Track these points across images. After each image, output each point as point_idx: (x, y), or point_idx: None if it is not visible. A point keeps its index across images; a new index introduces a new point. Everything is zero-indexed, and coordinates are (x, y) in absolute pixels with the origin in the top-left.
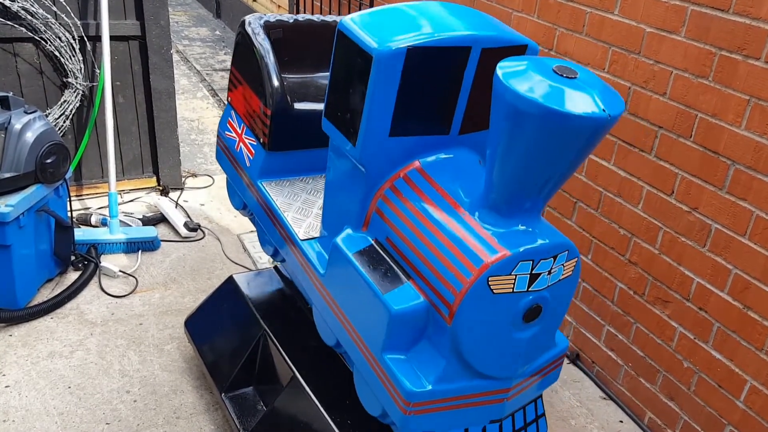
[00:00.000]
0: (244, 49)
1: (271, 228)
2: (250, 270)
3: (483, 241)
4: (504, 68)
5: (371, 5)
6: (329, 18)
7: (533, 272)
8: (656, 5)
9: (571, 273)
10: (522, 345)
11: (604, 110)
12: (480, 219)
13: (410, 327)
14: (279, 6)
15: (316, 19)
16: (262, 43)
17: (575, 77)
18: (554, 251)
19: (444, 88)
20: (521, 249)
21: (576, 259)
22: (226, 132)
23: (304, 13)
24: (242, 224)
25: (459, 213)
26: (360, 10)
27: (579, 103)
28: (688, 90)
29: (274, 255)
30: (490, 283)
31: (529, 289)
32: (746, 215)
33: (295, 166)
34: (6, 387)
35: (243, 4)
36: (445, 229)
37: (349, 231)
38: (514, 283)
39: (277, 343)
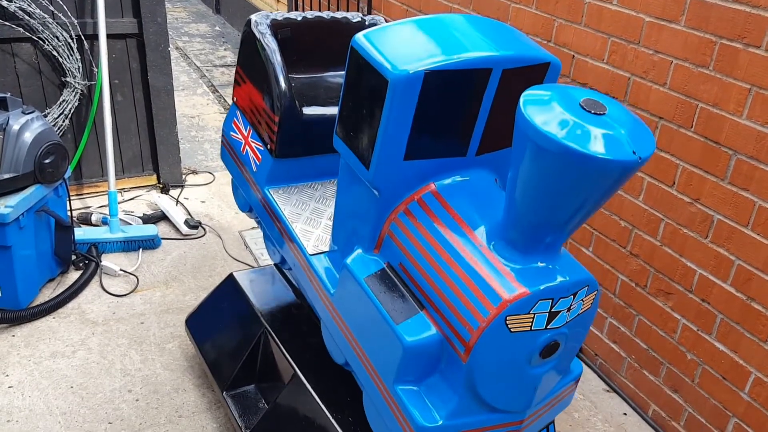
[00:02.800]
0: (249, 48)
1: (279, 237)
2: (252, 267)
3: (501, 278)
4: (528, 100)
5: (369, 4)
6: (339, 15)
7: (552, 310)
8: None
9: (590, 306)
10: (538, 380)
11: (634, 153)
12: (497, 251)
13: (423, 359)
14: (278, 0)
15: (325, 17)
16: (269, 44)
17: (603, 113)
18: (574, 288)
19: (462, 110)
20: (541, 287)
21: (596, 292)
22: (232, 133)
23: (303, 9)
24: (243, 221)
25: (475, 243)
26: (358, 7)
27: (606, 144)
28: (689, 80)
29: (282, 263)
30: (507, 322)
31: (548, 327)
32: (748, 206)
33: (304, 172)
34: (9, 387)
35: None
36: (462, 261)
37: (360, 252)
38: (532, 322)
39: (278, 341)
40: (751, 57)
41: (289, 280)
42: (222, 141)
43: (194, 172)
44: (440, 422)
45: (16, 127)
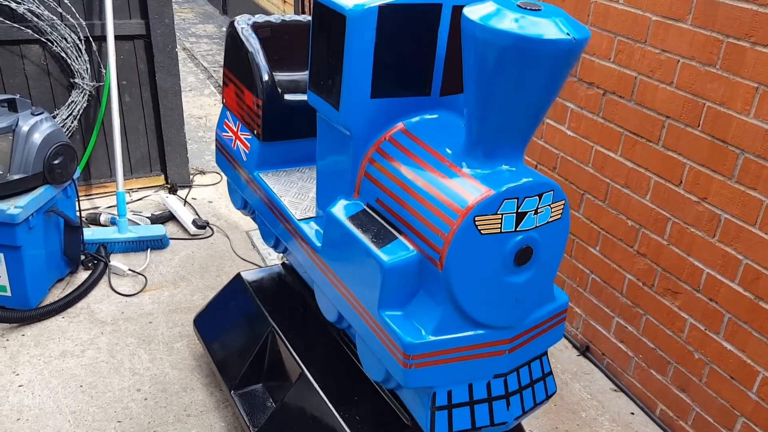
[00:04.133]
0: (234, 48)
1: (270, 216)
2: (259, 266)
3: (467, 184)
4: (470, 9)
5: None
6: None
7: (519, 211)
8: None
9: (560, 216)
10: (516, 290)
11: (568, 34)
12: (464, 164)
13: (404, 280)
14: (285, 1)
15: (302, 19)
16: (251, 41)
17: (539, 9)
18: (539, 189)
19: (420, 47)
20: (504, 187)
21: (563, 201)
22: (223, 133)
23: (309, 9)
24: (250, 221)
25: (444, 164)
26: None
27: (546, 29)
28: (696, 78)
29: (276, 245)
30: (477, 223)
31: (517, 229)
32: (756, 204)
33: (291, 157)
34: (20, 386)
35: (250, 0)
36: (432, 179)
37: (342, 201)
38: (501, 223)
39: (285, 340)
40: (758, 55)
41: (296, 278)
42: (216, 145)
43: (202, 173)
44: (427, 338)
45: (25, 128)
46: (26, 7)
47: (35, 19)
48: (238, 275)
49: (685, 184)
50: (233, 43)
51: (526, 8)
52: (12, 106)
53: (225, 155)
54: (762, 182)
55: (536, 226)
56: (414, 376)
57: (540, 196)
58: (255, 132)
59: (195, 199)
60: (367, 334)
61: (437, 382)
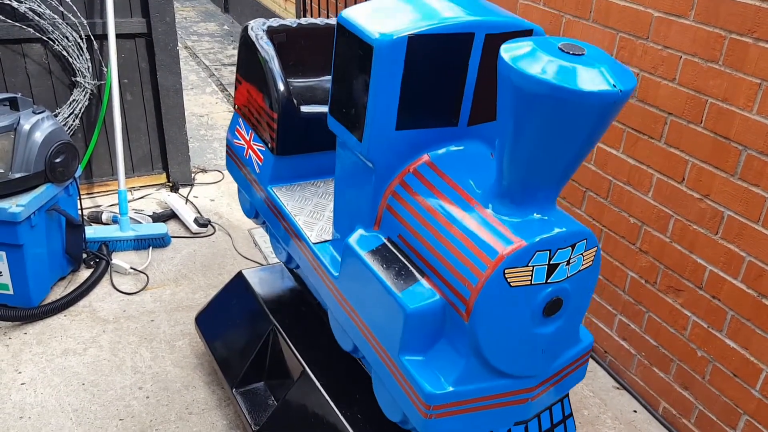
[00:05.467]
0: (248, 54)
1: (283, 233)
2: (261, 264)
3: (497, 233)
4: (508, 49)
5: None
6: (333, 21)
7: (551, 263)
8: None
9: (591, 263)
10: (544, 341)
11: (614, 86)
12: (493, 209)
13: (427, 326)
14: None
15: (320, 23)
16: (266, 47)
17: (582, 54)
18: (572, 240)
19: (449, 77)
20: (537, 239)
21: (596, 248)
22: (235, 140)
23: (310, 11)
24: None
25: (471, 205)
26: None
27: (589, 79)
28: (698, 75)
29: (288, 261)
30: (506, 275)
31: (548, 281)
32: (759, 201)
33: (305, 170)
34: (22, 384)
35: None
36: (458, 222)
37: (361, 231)
38: (531, 275)
39: (287, 338)
40: (761, 51)
41: (297, 277)
42: (227, 151)
43: (203, 171)
44: (449, 388)
45: (27, 126)
46: (28, 5)
47: (37, 17)
48: (240, 273)
49: (687, 181)
50: (247, 48)
51: (568, 52)
52: (14, 104)
53: (236, 163)
54: (765, 179)
55: (568, 277)
56: (434, 427)
57: (573, 246)
58: (269, 145)
59: (197, 197)
60: (385, 376)
61: (458, 431)
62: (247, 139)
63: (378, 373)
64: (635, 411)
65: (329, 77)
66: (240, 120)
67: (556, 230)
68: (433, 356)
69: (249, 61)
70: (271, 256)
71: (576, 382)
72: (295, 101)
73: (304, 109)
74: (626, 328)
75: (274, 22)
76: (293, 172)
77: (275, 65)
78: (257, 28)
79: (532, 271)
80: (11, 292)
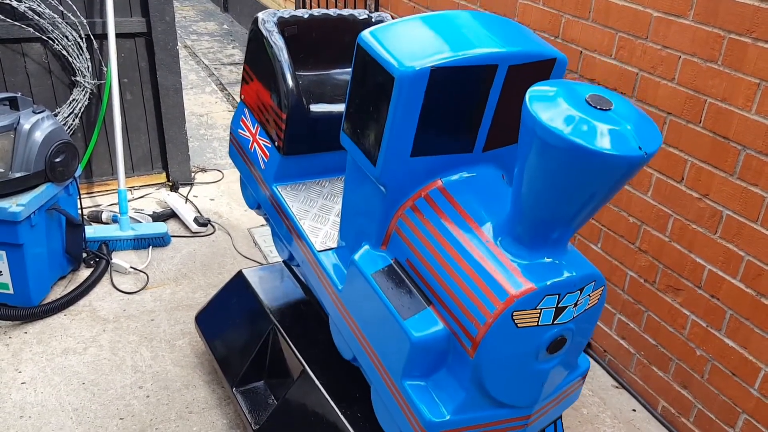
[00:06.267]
0: (257, 46)
1: (287, 233)
2: (261, 264)
3: (508, 273)
4: (534, 96)
5: (377, 1)
6: (345, 12)
7: (559, 306)
8: None
9: (596, 302)
10: (546, 375)
11: (640, 148)
12: (504, 247)
13: (430, 354)
14: None
15: (332, 14)
16: (276, 41)
17: (609, 109)
18: (581, 284)
19: (469, 107)
20: (548, 283)
21: (602, 287)
22: (240, 130)
23: (310, 6)
24: (252, 218)
25: (482, 239)
26: (365, 4)
27: (612, 140)
28: (697, 75)
29: (290, 259)
30: (514, 317)
31: (555, 323)
32: (758, 201)
33: (311, 169)
34: (22, 383)
35: None
36: (468, 257)
37: (367, 248)
38: (539, 318)
39: (286, 337)
40: (760, 51)
41: (297, 276)
42: (230, 138)
43: (203, 170)
44: (447, 417)
45: (26, 126)
46: (27, 5)
47: (36, 17)
48: (240, 272)
49: (686, 180)
50: (256, 41)
51: (595, 107)
52: (13, 104)
53: (240, 153)
54: (764, 178)
55: (573, 318)
56: None
57: (581, 289)
58: (276, 144)
59: (196, 196)
60: (385, 395)
61: None
62: (253, 132)
63: (377, 389)
64: (634, 410)
65: (340, 70)
66: (246, 111)
67: (566, 274)
68: (434, 383)
69: (259, 56)
70: (271, 255)
71: (570, 404)
72: (304, 100)
73: (314, 108)
74: (625, 327)
75: (285, 13)
76: (299, 170)
77: (286, 64)
78: (268, 21)
79: (540, 313)
80: (11, 291)
